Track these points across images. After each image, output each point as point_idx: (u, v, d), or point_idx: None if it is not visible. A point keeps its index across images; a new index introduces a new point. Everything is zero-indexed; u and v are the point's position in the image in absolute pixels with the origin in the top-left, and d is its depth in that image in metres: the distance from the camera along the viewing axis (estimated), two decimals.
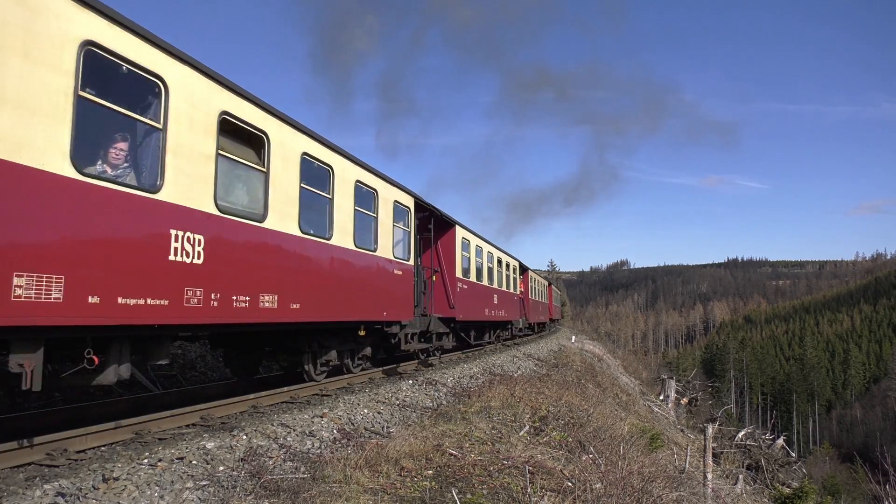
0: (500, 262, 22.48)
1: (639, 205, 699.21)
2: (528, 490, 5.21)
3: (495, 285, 21.30)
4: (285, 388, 9.28)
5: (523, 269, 29.29)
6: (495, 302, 21.27)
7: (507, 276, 24.05)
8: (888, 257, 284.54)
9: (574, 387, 14.20)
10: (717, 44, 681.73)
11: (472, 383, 11.85)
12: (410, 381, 10.97)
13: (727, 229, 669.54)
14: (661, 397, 29.01)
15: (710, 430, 11.81)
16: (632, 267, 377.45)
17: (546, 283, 38.21)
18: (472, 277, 17.90)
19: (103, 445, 5.82)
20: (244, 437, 6.14)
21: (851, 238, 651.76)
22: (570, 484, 5.57)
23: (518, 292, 26.69)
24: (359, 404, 8.46)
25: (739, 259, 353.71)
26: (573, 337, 40.77)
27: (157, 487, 4.54)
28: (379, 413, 8.27)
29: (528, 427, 7.98)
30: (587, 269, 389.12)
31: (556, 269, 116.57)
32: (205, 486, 4.75)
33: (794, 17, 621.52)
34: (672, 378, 32.05)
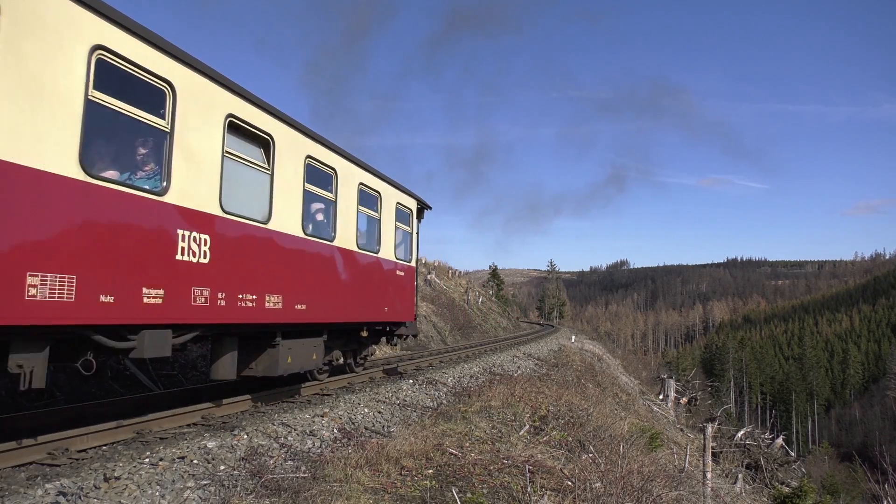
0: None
1: (638, 205, 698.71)
2: (528, 489, 5.22)
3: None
4: (286, 388, 9.28)
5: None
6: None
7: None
8: (887, 257, 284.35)
9: (574, 386, 14.24)
10: (717, 44, 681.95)
11: (473, 383, 11.87)
12: (411, 381, 10.99)
13: (726, 229, 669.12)
14: (661, 397, 29.05)
15: (710, 429, 11.86)
16: (631, 267, 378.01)
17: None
18: None
19: (104, 445, 5.84)
20: (245, 436, 6.15)
21: (850, 238, 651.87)
22: (569, 483, 5.58)
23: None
24: (359, 404, 8.47)
25: (739, 259, 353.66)
26: (573, 337, 40.78)
27: (158, 486, 4.55)
28: (379, 412, 8.29)
29: (528, 426, 8.00)
30: (587, 269, 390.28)
31: (556, 269, 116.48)
32: (206, 485, 4.77)
33: (795, 17, 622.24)
34: (671, 378, 32.10)
